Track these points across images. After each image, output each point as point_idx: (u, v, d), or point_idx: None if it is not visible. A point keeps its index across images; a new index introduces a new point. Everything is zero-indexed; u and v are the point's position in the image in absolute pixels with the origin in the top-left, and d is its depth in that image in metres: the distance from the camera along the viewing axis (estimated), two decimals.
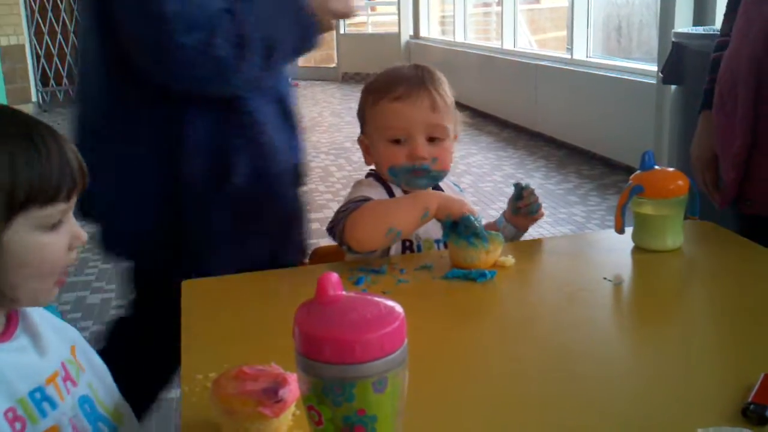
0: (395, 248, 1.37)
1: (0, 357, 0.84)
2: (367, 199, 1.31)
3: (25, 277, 0.83)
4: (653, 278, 1.29)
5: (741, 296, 1.16)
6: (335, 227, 1.29)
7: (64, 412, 0.88)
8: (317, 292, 0.69)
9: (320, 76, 10.81)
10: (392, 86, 1.36)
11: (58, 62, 8.76)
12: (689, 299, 1.23)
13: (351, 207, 1.28)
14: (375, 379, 0.65)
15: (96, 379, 0.97)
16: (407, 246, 1.38)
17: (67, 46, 8.89)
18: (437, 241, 1.39)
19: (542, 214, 1.45)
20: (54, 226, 0.84)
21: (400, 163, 1.35)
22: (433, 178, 1.37)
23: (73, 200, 0.86)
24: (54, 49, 8.69)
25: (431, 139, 1.35)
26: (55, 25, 8.73)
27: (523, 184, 1.44)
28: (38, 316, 0.93)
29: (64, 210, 0.85)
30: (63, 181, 0.83)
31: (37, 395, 0.85)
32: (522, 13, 7.50)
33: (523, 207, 1.43)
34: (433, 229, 1.37)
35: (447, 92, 1.39)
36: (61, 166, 0.82)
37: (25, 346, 0.88)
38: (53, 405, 0.87)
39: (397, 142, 1.35)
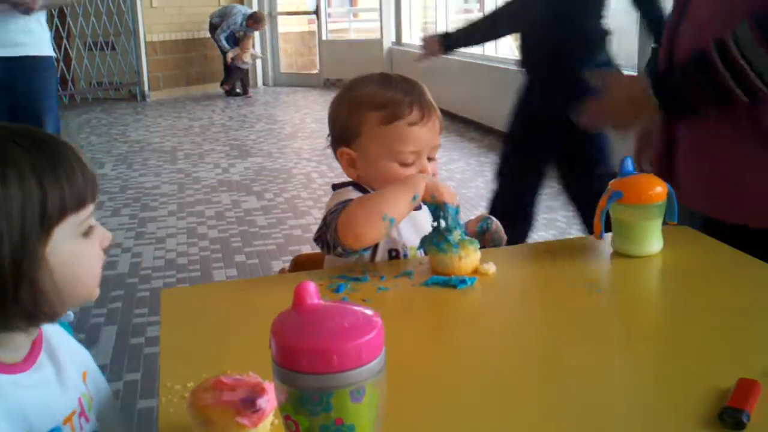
0: (381, 255, 1.37)
1: (23, 391, 0.82)
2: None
3: (72, 287, 0.83)
4: (632, 284, 1.30)
5: (718, 301, 1.17)
6: (325, 232, 1.28)
7: None
8: (294, 302, 0.69)
9: (302, 82, 10.81)
10: (403, 107, 1.34)
11: None
12: (667, 304, 1.24)
13: (339, 208, 1.27)
14: (353, 389, 0.65)
15: (103, 408, 0.95)
16: (393, 255, 1.38)
17: None
18: (420, 248, 1.39)
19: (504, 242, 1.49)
20: (87, 233, 0.85)
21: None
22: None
23: (96, 201, 0.87)
24: None
25: (428, 158, 1.39)
26: None
27: (489, 223, 1.47)
28: (56, 337, 0.91)
29: (92, 211, 0.86)
30: (87, 182, 0.84)
31: None
32: None
33: (488, 242, 1.48)
34: (414, 237, 1.37)
35: None
36: (82, 170, 0.84)
37: (47, 377, 0.86)
38: None
39: (405, 164, 1.35)
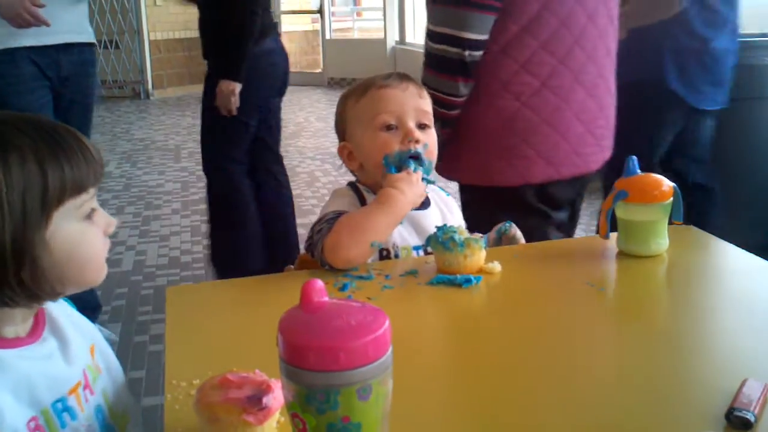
0: (372, 256, 1.37)
1: (28, 363, 0.83)
2: (339, 214, 1.31)
3: (75, 269, 0.85)
4: (637, 283, 1.30)
5: (724, 301, 1.17)
6: (313, 247, 1.30)
7: (81, 422, 0.87)
8: (301, 299, 0.69)
9: (306, 81, 10.80)
10: (375, 80, 1.40)
11: None
12: (673, 304, 1.23)
13: (325, 228, 1.28)
14: (359, 387, 0.65)
15: (110, 382, 0.96)
16: (384, 255, 1.37)
17: None
18: (416, 248, 1.39)
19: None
20: (89, 216, 0.86)
21: (394, 151, 1.35)
22: (427, 165, 1.36)
23: (98, 185, 0.88)
24: None
25: (420, 126, 1.37)
26: None
27: (508, 227, 1.46)
28: (62, 312, 0.92)
29: (93, 195, 0.87)
30: (89, 166, 0.85)
31: (59, 405, 0.85)
32: None
33: (505, 245, 1.47)
34: (410, 237, 1.38)
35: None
36: (84, 154, 0.85)
37: (52, 351, 0.88)
38: (73, 416, 0.86)
39: (389, 128, 1.36)
